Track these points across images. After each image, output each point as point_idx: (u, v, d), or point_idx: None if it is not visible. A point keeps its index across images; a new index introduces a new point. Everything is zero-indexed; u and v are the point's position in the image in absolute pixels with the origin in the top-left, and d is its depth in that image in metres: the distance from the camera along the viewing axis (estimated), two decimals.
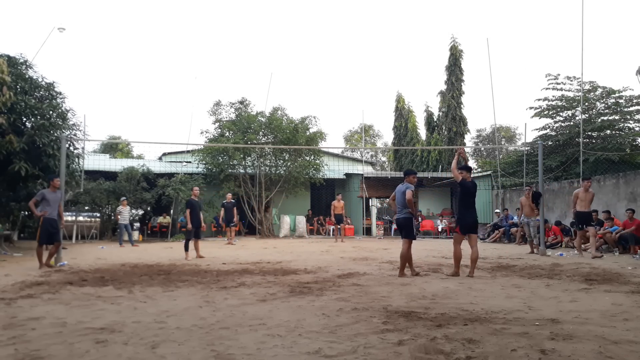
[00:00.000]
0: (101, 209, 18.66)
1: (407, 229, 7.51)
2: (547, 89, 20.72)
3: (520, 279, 6.97)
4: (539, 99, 20.93)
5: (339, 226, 17.77)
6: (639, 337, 3.67)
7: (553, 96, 20.54)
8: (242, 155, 20.45)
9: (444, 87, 29.31)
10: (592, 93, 19.97)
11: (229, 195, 16.50)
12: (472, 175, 7.87)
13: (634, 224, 11.27)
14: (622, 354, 3.24)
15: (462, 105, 28.92)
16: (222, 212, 15.88)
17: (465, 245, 7.45)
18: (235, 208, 16.09)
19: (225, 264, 9.20)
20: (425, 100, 51.19)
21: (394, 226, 22.42)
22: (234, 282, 6.71)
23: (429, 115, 30.81)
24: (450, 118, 28.55)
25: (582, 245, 12.61)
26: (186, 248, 10.78)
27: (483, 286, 6.28)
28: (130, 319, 4.37)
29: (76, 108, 30.84)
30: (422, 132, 32.33)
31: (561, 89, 20.48)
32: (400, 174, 23.94)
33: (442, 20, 74.44)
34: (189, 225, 11.05)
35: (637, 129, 19.29)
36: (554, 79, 20.52)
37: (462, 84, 28.94)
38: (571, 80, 20.21)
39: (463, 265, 7.59)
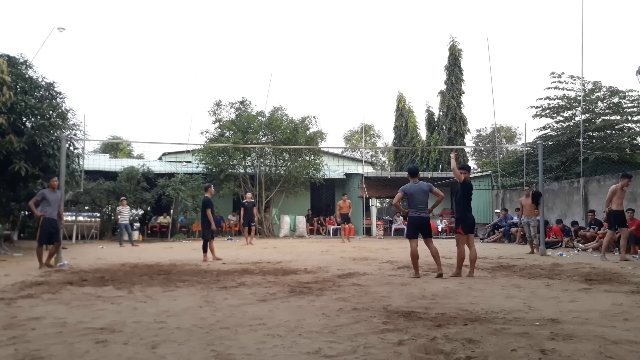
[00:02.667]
0: (101, 209, 18.65)
1: (429, 229, 7.68)
2: (549, 88, 20.69)
3: (520, 279, 6.97)
4: (541, 98, 20.89)
5: (345, 226, 17.74)
6: (639, 337, 3.67)
7: (555, 95, 20.49)
8: (242, 155, 20.46)
9: (444, 87, 29.32)
10: (594, 94, 19.90)
11: (249, 195, 16.56)
12: (471, 175, 7.88)
13: (634, 224, 11.26)
14: (622, 354, 3.23)
15: (462, 105, 28.90)
16: (242, 212, 16.06)
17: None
18: (255, 208, 16.19)
19: (225, 264, 9.21)
20: (426, 100, 51.28)
21: (394, 226, 22.42)
22: (234, 282, 6.71)
23: (430, 115, 30.78)
24: (450, 118, 28.53)
25: (583, 245, 12.62)
26: (205, 249, 10.30)
27: (483, 286, 6.28)
28: (130, 319, 4.36)
29: (76, 108, 30.81)
30: (423, 132, 32.36)
31: (563, 88, 20.47)
32: (400, 174, 23.95)
33: (442, 20, 74.52)
34: (213, 225, 10.68)
35: (637, 129, 19.26)
36: (557, 77, 20.42)
37: (462, 83, 28.93)
38: (574, 80, 20.11)
39: (463, 265, 7.59)
